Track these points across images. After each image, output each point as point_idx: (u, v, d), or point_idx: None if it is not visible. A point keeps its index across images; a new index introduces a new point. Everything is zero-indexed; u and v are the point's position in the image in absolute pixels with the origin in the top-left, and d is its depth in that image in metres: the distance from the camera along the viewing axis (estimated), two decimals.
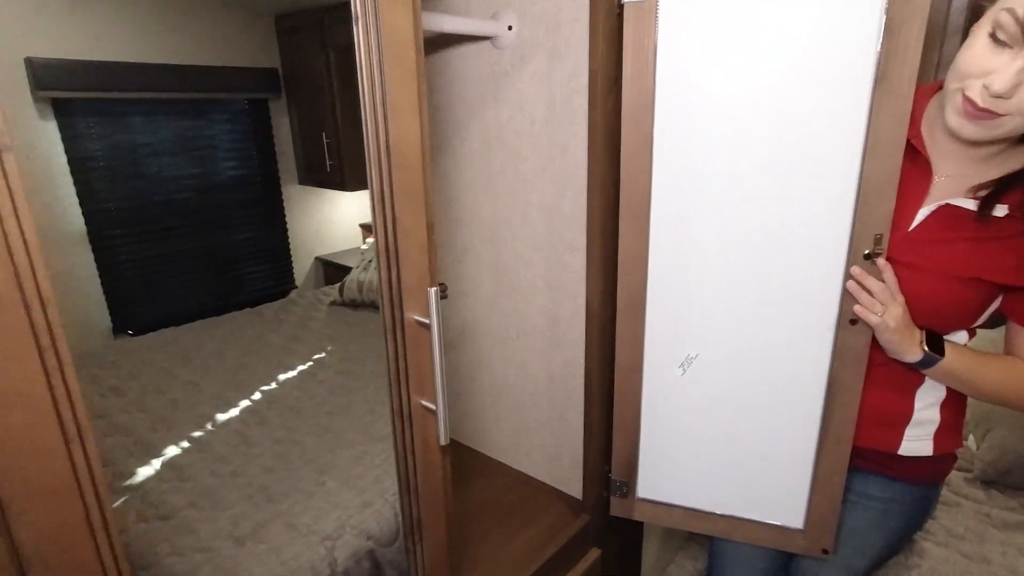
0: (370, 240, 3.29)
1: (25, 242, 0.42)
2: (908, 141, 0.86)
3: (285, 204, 3.17)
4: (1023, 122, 0.74)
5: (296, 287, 3.26)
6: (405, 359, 0.74)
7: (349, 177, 2.78)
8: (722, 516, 1.16)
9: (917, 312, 0.87)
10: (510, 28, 1.16)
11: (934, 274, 0.86)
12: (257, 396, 1.81)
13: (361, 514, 1.30)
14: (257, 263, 3.10)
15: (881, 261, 0.86)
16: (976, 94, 0.73)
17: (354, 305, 2.58)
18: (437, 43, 1.28)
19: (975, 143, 0.80)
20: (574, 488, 1.31)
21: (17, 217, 0.42)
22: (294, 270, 3.27)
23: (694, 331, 1.08)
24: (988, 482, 1.29)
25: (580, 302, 1.17)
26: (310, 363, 2.04)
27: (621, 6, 0.98)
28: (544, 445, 1.36)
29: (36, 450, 0.43)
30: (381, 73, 0.65)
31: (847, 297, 0.91)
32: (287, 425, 1.64)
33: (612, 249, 1.08)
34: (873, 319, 0.87)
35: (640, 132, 1.02)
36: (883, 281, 0.87)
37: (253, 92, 2.84)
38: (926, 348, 0.87)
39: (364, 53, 0.65)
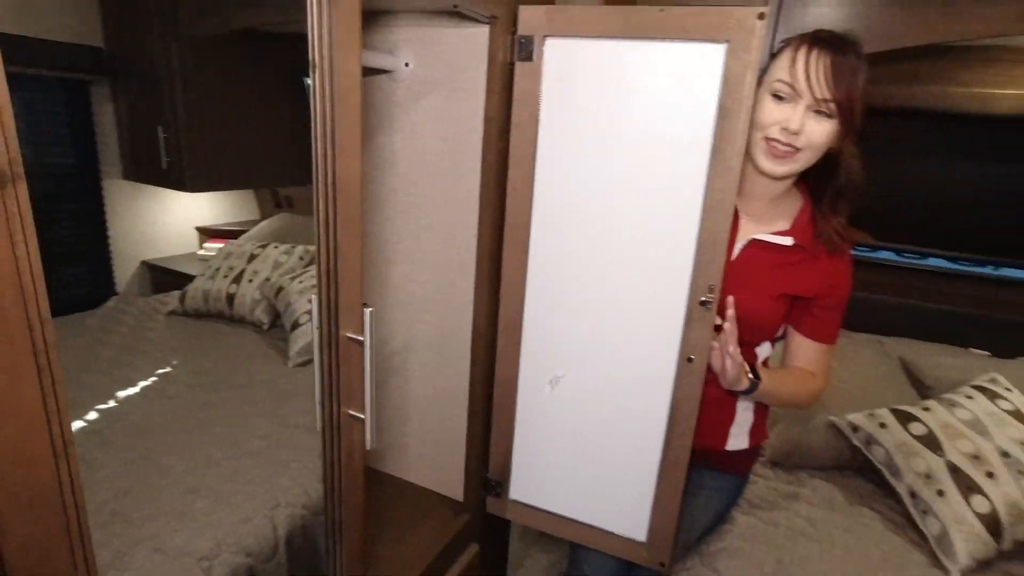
0: (211, 245, 3.08)
1: (31, 265, 0.44)
2: None
3: (105, 200, 2.86)
4: (812, 155, 1.01)
5: (117, 294, 2.94)
6: (337, 373, 0.80)
7: (190, 176, 2.59)
8: (581, 523, 1.31)
9: (745, 327, 1.08)
10: (407, 65, 1.25)
11: (755, 294, 1.10)
12: (93, 416, 1.65)
13: (239, 531, 1.28)
14: (69, 265, 2.76)
15: (731, 312, 1.03)
16: (777, 134, 1.00)
17: (198, 315, 2.42)
18: None
19: (776, 179, 1.06)
20: (457, 492, 1.42)
21: (26, 243, 0.43)
22: (115, 275, 2.96)
23: (561, 355, 1.24)
24: (775, 463, 1.64)
25: (468, 320, 1.29)
26: (154, 378, 1.89)
27: (512, 64, 1.13)
28: (430, 455, 1.45)
29: (27, 461, 0.44)
30: (332, 115, 0.72)
31: (686, 337, 1.09)
32: (138, 446, 1.53)
33: (498, 275, 1.22)
34: (717, 364, 1.07)
35: (523, 175, 1.17)
36: (721, 324, 1.04)
37: (68, 71, 2.54)
38: (751, 376, 1.08)
39: (319, 97, 0.71)
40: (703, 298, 1.07)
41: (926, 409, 1.53)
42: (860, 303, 2.15)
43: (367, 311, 0.78)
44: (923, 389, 1.82)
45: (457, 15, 1.12)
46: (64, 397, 0.45)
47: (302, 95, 2.80)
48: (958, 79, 1.84)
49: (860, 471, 1.62)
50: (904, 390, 1.80)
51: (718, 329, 1.05)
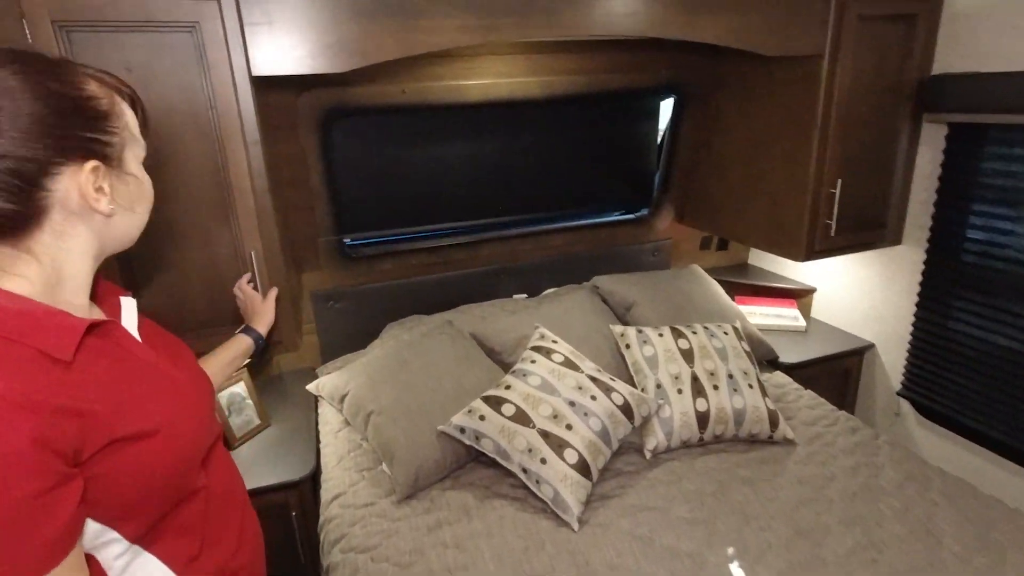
0: None
1: None
2: None
3: None
4: None
5: None
6: None
7: None
8: None
9: None
10: None
11: None
12: None
13: None
14: None
15: None
16: None
17: None
18: None
19: None
20: None
21: None
22: None
23: None
24: (408, 496, 1.59)
25: None
26: None
27: None
28: None
29: None
30: None
31: None
32: None
33: None
34: None
35: None
36: None
37: None
38: None
39: None
40: None
41: (508, 388, 1.68)
42: (416, 287, 2.27)
43: None
44: (495, 355, 2.03)
45: None
46: None
47: None
48: (433, 73, 1.97)
49: (479, 458, 1.72)
50: (483, 361, 1.95)
51: None
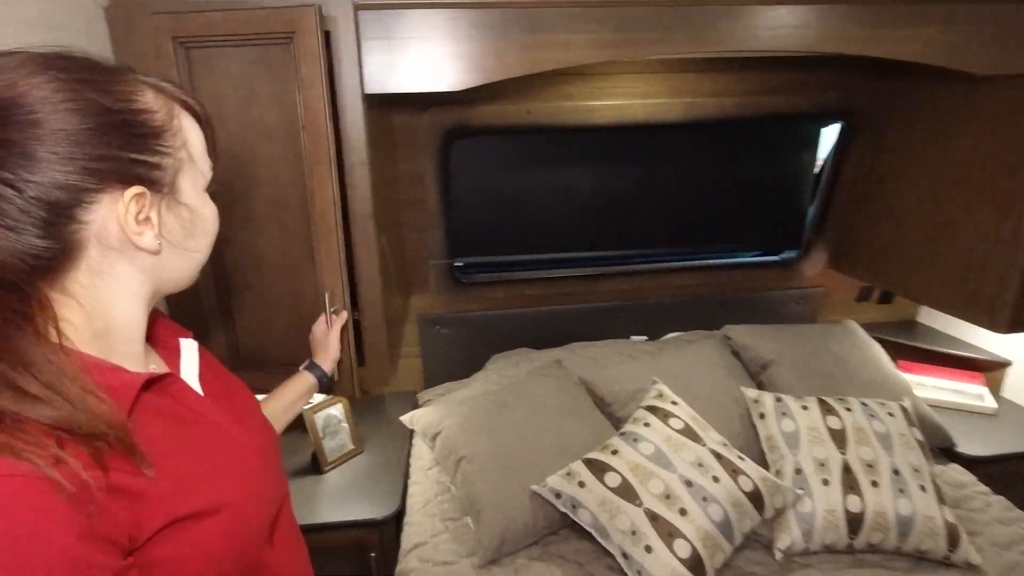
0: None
1: None
2: None
3: None
4: None
5: None
6: None
7: None
8: None
9: None
10: None
11: None
12: None
13: None
14: None
15: None
16: None
17: None
18: None
19: None
20: None
21: None
22: None
23: None
24: (492, 562, 1.43)
25: None
26: None
27: None
28: None
29: None
30: None
31: None
32: None
33: None
34: None
35: None
36: None
37: None
38: None
39: None
40: None
41: (615, 453, 1.46)
42: (527, 317, 2.12)
43: None
44: (604, 406, 1.81)
45: None
46: None
47: None
48: (562, 92, 1.81)
49: (575, 525, 1.51)
50: (591, 414, 1.74)
51: None
